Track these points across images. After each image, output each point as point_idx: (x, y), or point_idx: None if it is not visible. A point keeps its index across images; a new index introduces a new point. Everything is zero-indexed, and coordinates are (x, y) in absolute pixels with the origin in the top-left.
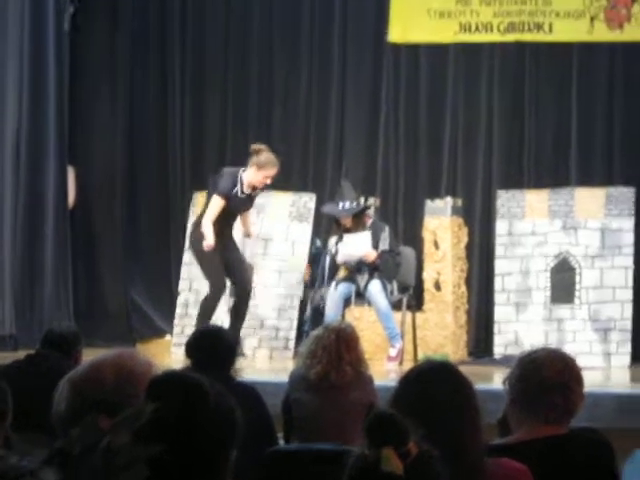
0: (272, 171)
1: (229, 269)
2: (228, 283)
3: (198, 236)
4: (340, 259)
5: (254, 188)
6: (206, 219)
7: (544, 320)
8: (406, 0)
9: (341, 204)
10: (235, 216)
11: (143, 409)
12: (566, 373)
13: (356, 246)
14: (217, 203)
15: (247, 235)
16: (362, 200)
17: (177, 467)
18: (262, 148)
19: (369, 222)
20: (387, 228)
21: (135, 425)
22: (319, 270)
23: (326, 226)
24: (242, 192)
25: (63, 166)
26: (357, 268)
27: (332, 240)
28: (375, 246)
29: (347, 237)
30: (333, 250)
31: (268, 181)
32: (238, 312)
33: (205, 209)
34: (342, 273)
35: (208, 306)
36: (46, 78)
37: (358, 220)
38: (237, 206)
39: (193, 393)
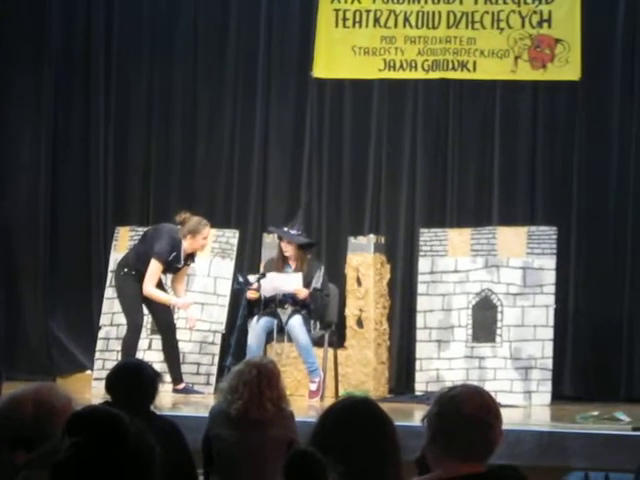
0: (206, 231)
1: (151, 308)
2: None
3: (121, 277)
4: (268, 292)
5: (194, 252)
6: (147, 285)
7: (465, 358)
8: (331, 36)
9: (288, 229)
10: (166, 273)
11: (60, 445)
12: (485, 409)
13: (286, 282)
14: (157, 268)
15: (175, 293)
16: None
17: None
18: (186, 216)
19: (307, 260)
20: (323, 268)
21: (52, 461)
22: (240, 306)
23: (249, 262)
24: (179, 260)
25: None
26: (281, 303)
27: (253, 277)
28: (308, 283)
29: (276, 276)
30: (255, 285)
31: (206, 242)
32: (168, 351)
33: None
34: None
35: (128, 345)
36: None
37: (301, 254)
38: (172, 268)
39: (112, 430)
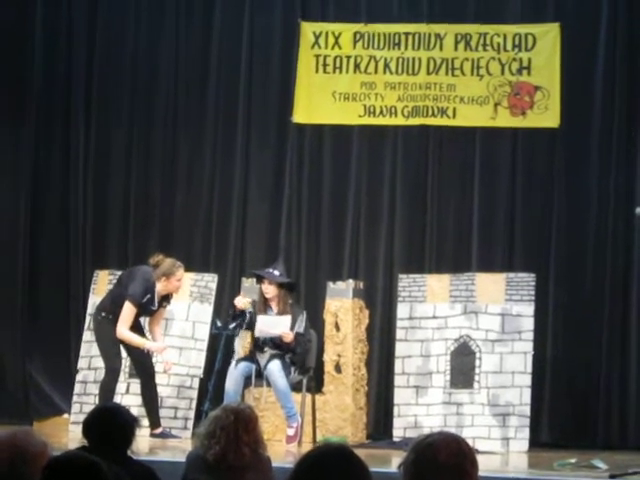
0: (180, 273)
1: (129, 351)
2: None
3: (99, 321)
4: (257, 334)
5: (170, 294)
6: (121, 328)
7: (443, 404)
8: (311, 82)
9: (271, 270)
10: (141, 315)
11: None
12: (461, 456)
13: (275, 325)
14: (130, 310)
15: (152, 336)
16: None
17: None
18: (160, 258)
19: (289, 303)
20: (305, 313)
21: None
22: (219, 350)
23: (227, 307)
24: (153, 302)
25: None
26: (260, 347)
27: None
28: (292, 328)
29: (267, 318)
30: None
31: (181, 283)
32: (146, 395)
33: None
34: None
35: (106, 389)
36: None
37: (283, 296)
38: (147, 311)
39: (90, 477)
